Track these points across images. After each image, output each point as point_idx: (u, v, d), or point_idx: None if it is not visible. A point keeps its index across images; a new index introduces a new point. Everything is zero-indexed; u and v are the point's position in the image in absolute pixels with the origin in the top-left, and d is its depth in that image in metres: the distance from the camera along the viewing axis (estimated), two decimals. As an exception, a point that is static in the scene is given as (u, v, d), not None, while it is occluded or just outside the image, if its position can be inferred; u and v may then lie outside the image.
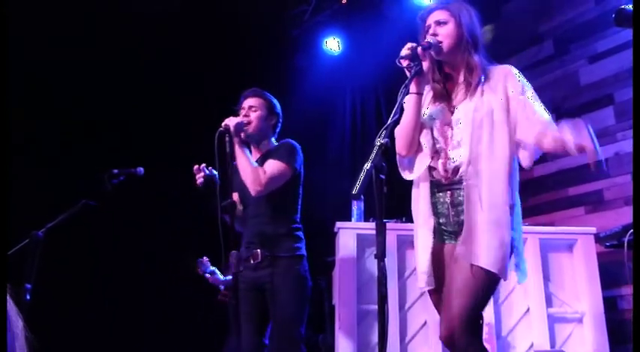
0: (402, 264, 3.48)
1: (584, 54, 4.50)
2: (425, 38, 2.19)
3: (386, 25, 5.27)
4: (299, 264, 2.81)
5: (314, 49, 6.04)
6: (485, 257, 1.99)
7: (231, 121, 2.72)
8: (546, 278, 3.53)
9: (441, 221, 2.17)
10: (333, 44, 5.90)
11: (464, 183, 2.10)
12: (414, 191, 2.25)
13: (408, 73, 2.12)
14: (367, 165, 1.73)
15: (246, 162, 2.75)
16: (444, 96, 2.24)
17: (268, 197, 2.81)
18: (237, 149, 2.74)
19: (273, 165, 2.79)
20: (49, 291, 3.67)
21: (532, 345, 3.40)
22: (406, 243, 3.50)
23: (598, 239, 3.48)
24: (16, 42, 4.76)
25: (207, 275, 4.41)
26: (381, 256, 1.72)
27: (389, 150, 1.81)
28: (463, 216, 2.09)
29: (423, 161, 2.21)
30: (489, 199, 2.04)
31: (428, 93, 2.29)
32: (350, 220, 3.65)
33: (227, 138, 2.67)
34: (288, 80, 5.89)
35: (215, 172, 2.80)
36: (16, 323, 0.85)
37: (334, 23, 5.87)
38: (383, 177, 1.75)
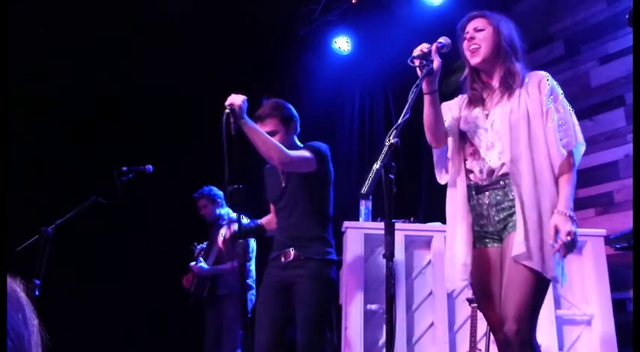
0: (409, 264, 3.47)
1: (595, 55, 4.47)
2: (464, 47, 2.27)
3: (395, 25, 5.27)
4: (329, 268, 2.78)
5: (323, 49, 6.04)
6: (530, 258, 2.02)
7: (235, 100, 2.49)
8: (555, 279, 3.51)
9: (481, 222, 2.20)
10: (342, 44, 5.90)
11: (505, 182, 2.14)
12: (449, 191, 2.29)
13: (419, 73, 2.14)
14: (376, 165, 1.73)
15: (264, 137, 2.55)
16: (480, 101, 2.28)
17: (302, 199, 2.81)
18: (249, 127, 2.51)
19: (297, 151, 2.74)
20: (57, 287, 3.69)
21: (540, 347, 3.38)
22: (414, 243, 3.50)
23: (608, 241, 3.46)
24: (27, 39, 4.80)
25: (193, 263, 4.41)
26: (389, 256, 1.72)
27: (399, 150, 1.81)
28: (503, 214, 2.14)
29: (452, 162, 2.28)
30: (531, 200, 2.07)
31: (464, 101, 2.34)
32: (358, 220, 3.65)
33: (232, 120, 2.46)
34: (296, 79, 5.90)
35: None
36: (32, 321, 0.85)
37: (343, 23, 5.86)
38: (392, 177, 1.76)
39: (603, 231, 3.56)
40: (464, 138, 2.28)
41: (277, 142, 2.62)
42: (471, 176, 2.24)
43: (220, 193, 4.60)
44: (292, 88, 5.85)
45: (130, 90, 5.55)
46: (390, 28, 5.35)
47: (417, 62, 2.13)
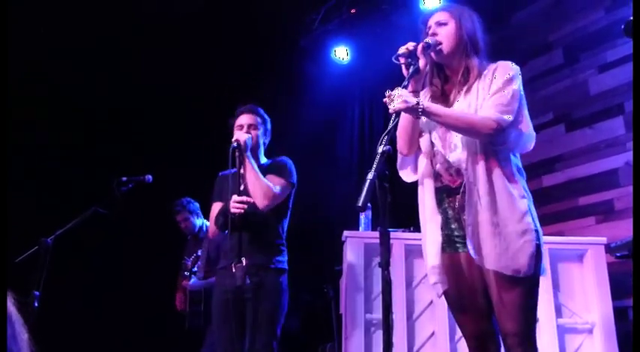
0: (409, 273, 3.46)
1: (594, 63, 4.47)
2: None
3: (394, 34, 5.28)
4: (281, 277, 2.91)
5: (323, 58, 6.06)
6: (496, 259, 1.97)
7: (241, 137, 2.86)
8: (556, 288, 3.50)
9: (452, 226, 2.14)
10: (341, 53, 5.92)
11: (464, 184, 2.09)
12: (419, 191, 2.23)
13: (405, 71, 2.13)
14: (370, 175, 1.72)
15: (258, 177, 2.84)
16: (441, 98, 2.23)
17: (261, 211, 2.88)
18: (248, 164, 2.84)
19: (278, 182, 2.91)
20: (57, 298, 3.68)
21: (541, 356, 3.36)
22: (414, 253, 3.49)
23: (608, 249, 3.45)
24: (30, 47, 4.81)
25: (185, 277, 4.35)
26: (385, 265, 1.71)
27: (392, 157, 1.80)
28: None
29: (422, 162, 2.22)
30: (489, 197, 2.01)
31: (426, 96, 2.28)
32: (358, 229, 3.64)
33: (237, 153, 2.82)
34: (297, 88, 5.91)
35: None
36: (21, 336, 0.85)
37: (343, 32, 5.89)
38: (386, 185, 1.75)
39: (604, 239, 3.55)
40: (426, 138, 2.22)
41: (268, 185, 2.84)
42: (442, 179, 2.17)
43: (197, 204, 4.57)
44: (292, 97, 5.87)
45: (132, 99, 5.57)
46: (389, 37, 5.36)
47: (402, 60, 2.12)
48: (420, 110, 1.99)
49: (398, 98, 1.96)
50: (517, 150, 2.14)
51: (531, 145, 2.17)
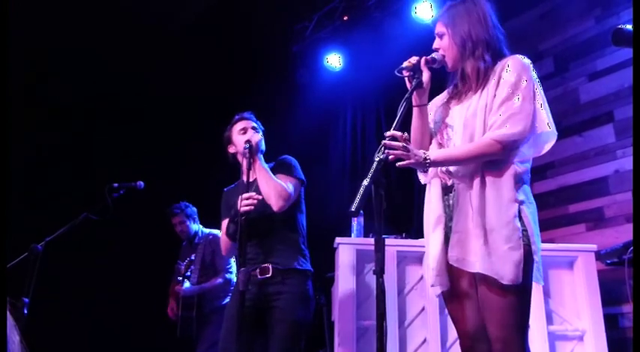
0: (402, 279, 3.46)
1: (584, 72, 4.51)
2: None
3: (387, 42, 5.31)
4: (307, 280, 2.80)
5: (315, 65, 6.08)
6: (481, 261, 1.94)
7: (254, 138, 2.80)
8: (547, 295, 3.51)
9: (449, 224, 2.12)
10: (334, 60, 5.94)
11: (455, 186, 2.09)
12: (427, 190, 2.22)
13: (408, 84, 2.14)
14: (366, 181, 1.72)
15: (270, 178, 2.75)
16: (456, 97, 2.22)
17: (278, 212, 2.79)
18: (260, 165, 2.77)
19: (289, 181, 2.80)
20: (47, 305, 3.65)
21: (533, 363, 3.37)
22: (406, 259, 3.49)
23: (599, 256, 3.47)
24: (24, 54, 4.79)
25: (178, 282, 4.29)
26: (379, 272, 1.72)
27: (388, 165, 1.80)
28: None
29: None
30: (480, 200, 1.99)
31: (445, 96, 2.29)
32: (350, 236, 3.64)
33: (248, 154, 2.74)
34: (289, 96, 5.93)
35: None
36: (13, 338, 0.84)
37: (335, 39, 5.91)
38: (382, 192, 1.75)
39: (594, 247, 3.57)
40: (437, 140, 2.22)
41: (282, 184, 2.73)
42: (440, 176, 2.16)
43: (194, 209, 4.54)
44: (285, 105, 5.88)
45: (124, 106, 5.56)
46: (381, 45, 5.38)
47: (405, 73, 2.12)
48: (427, 164, 1.99)
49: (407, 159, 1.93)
50: (532, 152, 2.10)
51: (549, 145, 2.12)
